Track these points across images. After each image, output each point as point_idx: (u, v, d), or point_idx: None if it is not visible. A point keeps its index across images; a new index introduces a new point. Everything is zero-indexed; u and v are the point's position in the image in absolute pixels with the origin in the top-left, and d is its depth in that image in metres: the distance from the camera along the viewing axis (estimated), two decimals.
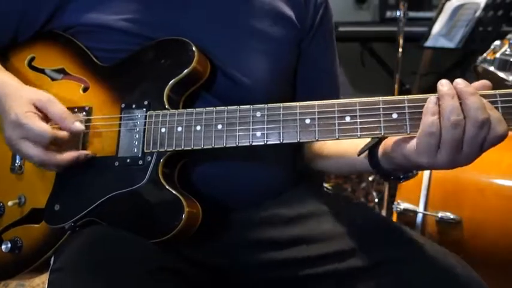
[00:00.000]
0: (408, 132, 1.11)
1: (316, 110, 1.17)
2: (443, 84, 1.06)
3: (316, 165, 1.58)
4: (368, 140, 1.27)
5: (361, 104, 1.14)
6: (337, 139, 1.15)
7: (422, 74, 3.77)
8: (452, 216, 1.93)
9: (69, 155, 1.28)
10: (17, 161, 1.41)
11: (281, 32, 1.48)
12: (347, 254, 1.31)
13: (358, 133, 1.13)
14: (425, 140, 1.07)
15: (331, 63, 1.62)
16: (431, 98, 1.07)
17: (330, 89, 1.60)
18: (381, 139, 1.23)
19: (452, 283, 1.20)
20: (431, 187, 2.00)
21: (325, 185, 3.18)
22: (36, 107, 1.27)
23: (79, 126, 1.30)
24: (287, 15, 1.50)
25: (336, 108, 1.15)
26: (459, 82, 1.06)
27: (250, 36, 1.45)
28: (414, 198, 2.01)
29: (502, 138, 1.05)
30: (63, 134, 1.28)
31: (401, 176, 1.26)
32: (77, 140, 1.32)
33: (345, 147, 1.41)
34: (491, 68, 2.39)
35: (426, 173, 2.00)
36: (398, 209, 2.03)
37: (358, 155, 1.28)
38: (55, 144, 1.27)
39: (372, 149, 1.25)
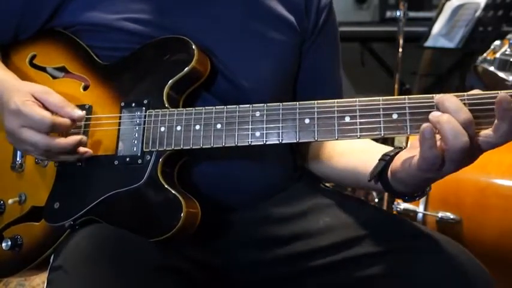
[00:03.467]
0: (408, 133, 1.10)
1: (315, 110, 1.17)
2: (433, 116, 1.05)
3: (320, 170, 1.57)
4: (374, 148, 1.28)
5: (361, 104, 1.13)
6: (337, 139, 1.15)
7: (422, 74, 3.78)
8: (452, 216, 1.93)
9: (73, 138, 1.27)
10: (18, 159, 1.42)
11: (281, 35, 1.48)
12: (349, 244, 1.32)
13: (358, 133, 1.13)
14: (427, 163, 1.07)
15: (333, 67, 1.62)
16: (426, 130, 1.03)
17: (332, 94, 1.57)
18: (388, 162, 1.22)
19: (456, 269, 1.22)
20: (431, 187, 2.00)
21: (325, 184, 3.18)
22: (35, 98, 1.28)
23: (79, 112, 1.29)
24: (287, 19, 1.50)
25: (336, 109, 1.15)
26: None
27: (251, 39, 1.45)
28: None
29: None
30: (64, 120, 1.27)
31: (416, 195, 1.24)
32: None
33: (356, 164, 1.39)
34: (491, 68, 2.39)
35: None
36: (399, 209, 2.03)
37: (369, 180, 1.26)
38: (54, 134, 1.27)
39: (381, 172, 1.23)
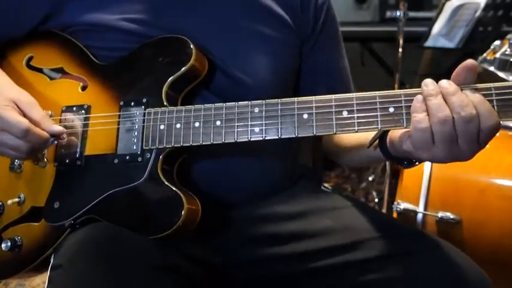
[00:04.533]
0: (405, 126, 1.12)
1: (313, 105, 1.18)
2: (427, 84, 1.09)
3: (337, 158, 1.62)
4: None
5: (358, 98, 1.15)
6: (335, 133, 1.17)
7: (422, 74, 3.76)
8: (452, 216, 1.93)
9: (51, 126, 1.28)
10: (16, 160, 1.42)
11: (278, 33, 1.49)
12: (348, 248, 1.32)
13: (356, 127, 1.14)
14: (418, 136, 1.09)
15: (339, 63, 1.63)
16: (418, 96, 1.09)
17: (340, 90, 1.59)
18: (386, 131, 1.24)
19: (455, 274, 1.22)
20: (431, 187, 2.00)
21: (325, 184, 3.18)
22: (18, 106, 1.28)
23: (57, 127, 1.30)
24: (282, 18, 1.50)
25: (333, 103, 1.16)
26: (441, 84, 1.08)
27: (248, 37, 1.46)
28: (414, 198, 2.01)
29: (494, 129, 1.07)
30: (40, 130, 1.27)
31: (414, 160, 1.25)
32: (76, 137, 1.33)
33: (359, 137, 1.43)
34: (491, 68, 2.39)
35: (426, 173, 2.00)
36: (398, 209, 2.03)
37: (368, 147, 1.29)
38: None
39: (381, 139, 1.26)
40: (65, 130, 1.33)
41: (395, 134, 1.21)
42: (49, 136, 1.28)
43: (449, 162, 1.12)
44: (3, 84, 1.36)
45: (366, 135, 1.34)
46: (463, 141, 1.06)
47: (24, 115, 1.27)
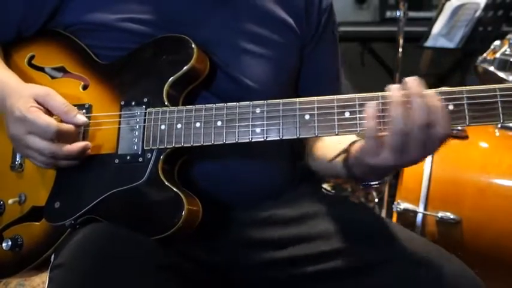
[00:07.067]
0: None
1: (315, 105, 1.17)
2: (392, 90, 1.09)
3: (310, 166, 1.60)
4: None
5: (361, 99, 1.15)
6: (337, 134, 1.16)
7: (422, 74, 3.77)
8: (452, 216, 1.93)
9: (77, 145, 1.28)
10: (17, 159, 1.42)
11: (282, 38, 1.49)
12: (344, 252, 1.32)
13: (358, 128, 1.14)
14: (369, 142, 1.11)
15: (334, 67, 1.64)
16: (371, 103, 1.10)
17: (335, 90, 1.59)
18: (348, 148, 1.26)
19: (446, 281, 1.21)
20: (431, 187, 2.00)
21: (325, 185, 3.18)
22: (38, 102, 1.28)
23: (81, 118, 1.30)
24: (287, 22, 1.50)
25: (335, 104, 1.16)
26: (409, 81, 1.08)
27: (251, 41, 1.45)
28: (414, 198, 2.01)
29: (444, 139, 1.08)
30: (68, 126, 1.28)
31: (372, 182, 1.26)
32: (77, 137, 1.32)
33: (329, 150, 1.43)
34: (491, 68, 2.39)
35: (426, 173, 2.00)
36: (399, 209, 2.03)
37: (330, 161, 1.31)
38: (58, 140, 1.27)
39: (346, 158, 1.27)
40: (87, 121, 1.33)
41: (355, 148, 1.23)
42: (74, 128, 1.29)
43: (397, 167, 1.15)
44: (15, 84, 1.36)
45: (333, 148, 1.36)
46: (412, 147, 1.08)
47: (45, 107, 1.28)
